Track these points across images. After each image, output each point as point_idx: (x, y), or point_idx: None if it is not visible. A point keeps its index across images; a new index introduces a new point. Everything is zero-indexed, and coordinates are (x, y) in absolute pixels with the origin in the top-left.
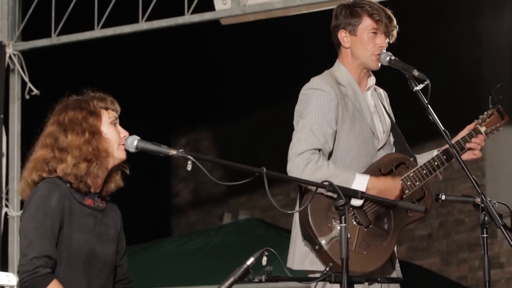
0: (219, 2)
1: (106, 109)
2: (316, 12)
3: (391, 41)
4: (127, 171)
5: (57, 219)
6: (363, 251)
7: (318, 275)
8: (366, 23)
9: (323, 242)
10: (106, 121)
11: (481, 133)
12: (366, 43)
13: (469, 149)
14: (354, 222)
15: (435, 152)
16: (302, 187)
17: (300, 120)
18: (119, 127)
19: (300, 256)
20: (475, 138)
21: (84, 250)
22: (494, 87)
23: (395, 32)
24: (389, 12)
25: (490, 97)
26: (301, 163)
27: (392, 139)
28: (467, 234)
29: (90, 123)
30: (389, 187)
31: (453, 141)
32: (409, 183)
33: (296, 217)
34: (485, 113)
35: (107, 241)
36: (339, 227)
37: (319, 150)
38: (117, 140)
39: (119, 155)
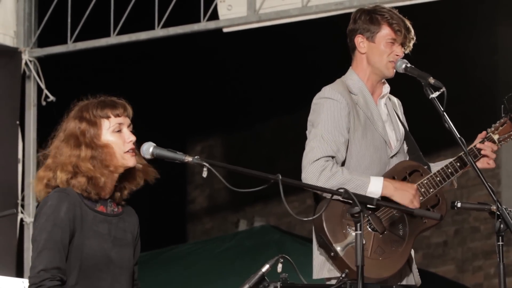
0: (223, 9)
1: (108, 117)
2: (330, 19)
3: (406, 52)
4: (151, 177)
5: (67, 229)
6: (379, 257)
7: (334, 282)
8: (385, 32)
9: (338, 248)
10: (107, 130)
11: (494, 141)
12: (382, 51)
13: (483, 156)
14: (369, 229)
15: (449, 160)
16: (317, 195)
17: (312, 129)
18: (126, 132)
19: (318, 264)
20: (487, 142)
21: (98, 257)
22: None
23: (412, 44)
24: (408, 23)
25: (502, 105)
26: (316, 170)
27: (405, 147)
28: (483, 241)
29: (88, 135)
30: (404, 185)
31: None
32: (423, 189)
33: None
34: (498, 121)
35: (123, 246)
36: (354, 234)
37: (333, 157)
38: (120, 147)
39: (124, 163)
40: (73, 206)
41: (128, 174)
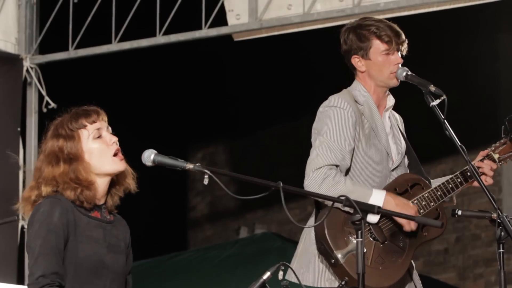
0: (232, 18)
1: (84, 126)
2: (332, 27)
3: (404, 53)
4: (132, 185)
5: (61, 234)
6: (379, 266)
7: None
8: (377, 46)
9: (339, 255)
10: (87, 139)
11: (494, 160)
12: (381, 65)
13: (482, 173)
14: (370, 238)
15: (450, 176)
16: (319, 202)
17: (318, 137)
18: (106, 136)
19: (317, 272)
20: (486, 161)
21: (92, 262)
22: (511, 103)
23: (405, 45)
24: (396, 27)
25: (503, 126)
26: (318, 178)
27: (406, 162)
28: (484, 249)
29: (67, 150)
30: (405, 205)
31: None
32: (424, 203)
33: (306, 232)
34: (498, 142)
35: (118, 252)
36: (355, 241)
37: (337, 166)
38: (105, 152)
39: (113, 168)
40: (65, 211)
41: (117, 179)
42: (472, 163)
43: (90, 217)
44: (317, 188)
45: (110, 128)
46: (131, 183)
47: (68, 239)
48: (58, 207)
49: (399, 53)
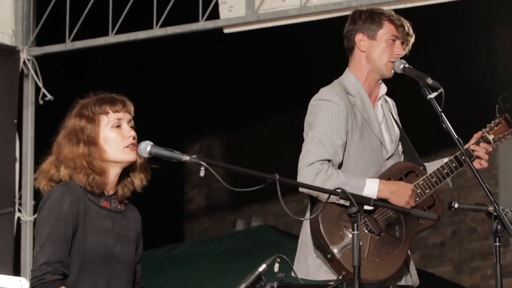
0: (224, 10)
1: (106, 113)
2: (328, 20)
3: (406, 51)
4: (146, 175)
5: (70, 223)
6: (376, 258)
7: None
8: (387, 29)
9: (335, 250)
10: (105, 125)
11: (489, 141)
12: (384, 49)
13: (477, 157)
14: (366, 230)
15: (445, 160)
16: (313, 198)
17: (309, 131)
18: (125, 128)
19: (314, 266)
20: (482, 143)
21: (100, 252)
22: (508, 96)
23: (411, 43)
24: (407, 22)
25: (497, 105)
26: (311, 174)
27: (400, 149)
28: (480, 242)
29: (87, 132)
30: (400, 187)
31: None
32: (419, 190)
33: (303, 225)
34: (492, 122)
35: (127, 243)
36: (351, 235)
37: (329, 160)
38: (119, 143)
39: (123, 157)
40: (76, 200)
41: (130, 170)
42: (467, 146)
43: (100, 206)
44: (310, 184)
45: (132, 121)
46: (142, 179)
47: (77, 229)
48: (69, 195)
49: (404, 46)
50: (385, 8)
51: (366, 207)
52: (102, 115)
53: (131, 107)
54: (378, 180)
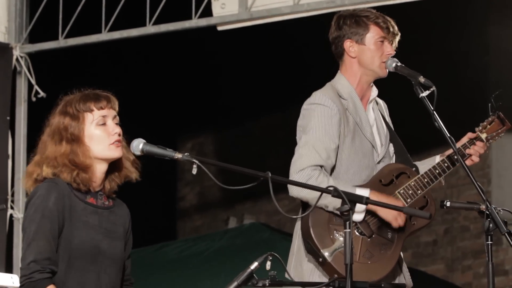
0: (217, 7)
1: (91, 110)
2: (321, 16)
3: (394, 48)
4: (135, 171)
5: (56, 219)
6: (367, 261)
7: None
8: (374, 32)
9: (326, 254)
10: (90, 123)
11: (482, 140)
12: (374, 52)
13: (470, 155)
14: (357, 233)
15: (437, 158)
16: (304, 202)
17: (302, 136)
18: (110, 125)
19: (309, 270)
20: (474, 145)
21: (87, 247)
22: (500, 95)
23: (397, 39)
24: (391, 20)
25: (489, 104)
26: (301, 179)
27: (392, 150)
28: (472, 241)
29: (71, 130)
30: (390, 199)
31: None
32: (410, 191)
33: (297, 228)
34: (485, 120)
35: (115, 239)
36: (341, 239)
37: (321, 166)
38: (104, 140)
39: (109, 154)
40: (62, 196)
41: (115, 165)
42: (459, 145)
43: (86, 203)
44: (300, 189)
45: (117, 117)
46: (133, 171)
47: (64, 225)
48: (54, 191)
49: (392, 45)
50: (378, 4)
51: (355, 218)
52: (86, 112)
53: (115, 103)
54: (368, 190)
